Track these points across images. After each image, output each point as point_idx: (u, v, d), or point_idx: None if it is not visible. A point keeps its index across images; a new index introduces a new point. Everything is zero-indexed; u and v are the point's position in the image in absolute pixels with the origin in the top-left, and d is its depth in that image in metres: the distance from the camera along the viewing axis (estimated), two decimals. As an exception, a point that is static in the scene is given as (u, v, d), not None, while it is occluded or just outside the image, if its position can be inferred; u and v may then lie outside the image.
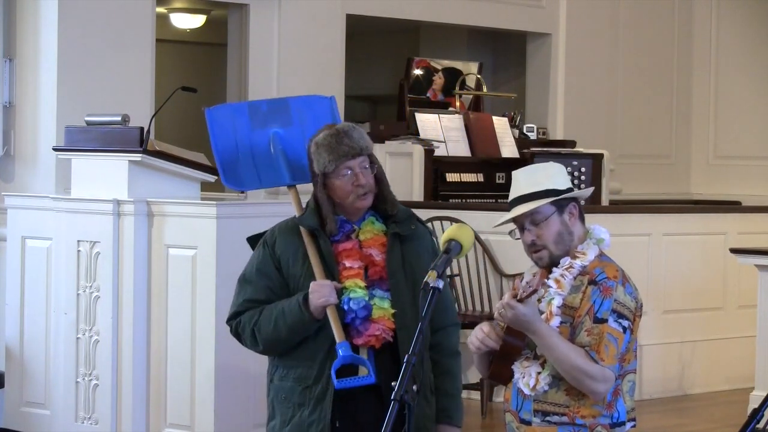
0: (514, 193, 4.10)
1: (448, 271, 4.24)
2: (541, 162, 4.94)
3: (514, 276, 8.58)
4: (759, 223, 9.77)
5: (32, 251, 7.35)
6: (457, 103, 11.19)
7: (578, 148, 10.62)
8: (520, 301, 3.89)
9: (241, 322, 4.39)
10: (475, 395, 8.51)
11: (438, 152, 9.92)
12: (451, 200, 9.83)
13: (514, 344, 4.02)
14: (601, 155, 10.27)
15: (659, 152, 12.01)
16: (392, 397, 3.58)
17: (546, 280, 4.04)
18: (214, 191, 7.68)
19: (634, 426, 4.06)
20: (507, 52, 12.14)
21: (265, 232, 4.51)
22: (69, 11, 8.27)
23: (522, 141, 10.71)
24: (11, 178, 8.37)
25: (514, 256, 8.57)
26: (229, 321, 4.45)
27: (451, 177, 10.02)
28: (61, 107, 8.15)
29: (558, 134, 11.22)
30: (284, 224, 4.48)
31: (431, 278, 3.79)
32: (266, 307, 4.35)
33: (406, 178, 9.60)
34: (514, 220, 4.10)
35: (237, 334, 4.44)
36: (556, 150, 10.43)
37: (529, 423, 4.01)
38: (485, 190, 10.19)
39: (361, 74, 11.45)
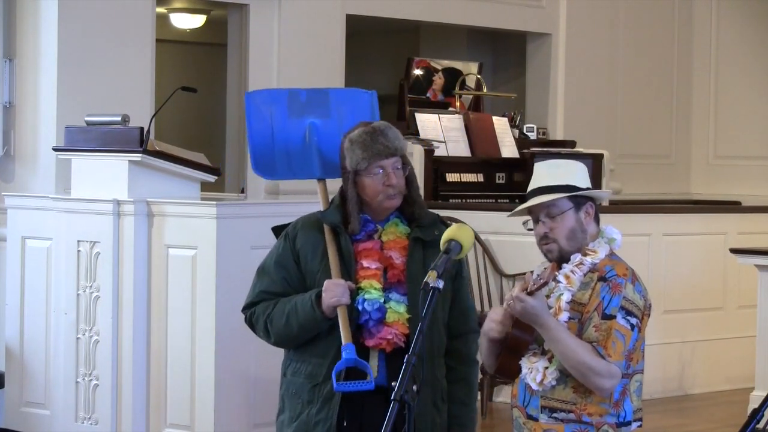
0: (534, 184, 4.10)
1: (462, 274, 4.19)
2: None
3: (514, 276, 8.58)
4: (759, 223, 9.76)
5: (32, 251, 7.34)
6: (457, 103, 11.17)
7: (578, 148, 10.61)
8: (530, 293, 3.90)
9: (256, 313, 4.38)
10: (475, 395, 8.50)
11: (438, 152, 9.90)
12: (451, 200, 9.82)
13: (522, 339, 4.02)
14: (601, 155, 10.27)
15: (659, 152, 12.00)
16: (392, 397, 3.58)
17: (556, 275, 4.03)
18: (214, 191, 7.68)
19: (640, 426, 4.06)
20: (507, 52, 12.13)
21: (289, 224, 4.47)
22: (69, 11, 8.26)
23: (522, 141, 10.69)
24: (11, 178, 8.36)
25: (514, 256, 8.57)
26: (244, 310, 4.43)
27: (451, 177, 10.00)
28: (61, 107, 8.14)
29: (558, 134, 11.21)
30: (307, 218, 4.44)
31: (431, 278, 3.79)
32: (281, 300, 4.33)
33: (406, 178, 9.57)
34: (530, 210, 4.09)
35: (251, 323, 4.42)
36: (556, 150, 10.42)
37: (536, 419, 4.02)
38: (485, 190, 10.18)
39: (361, 74, 11.43)
